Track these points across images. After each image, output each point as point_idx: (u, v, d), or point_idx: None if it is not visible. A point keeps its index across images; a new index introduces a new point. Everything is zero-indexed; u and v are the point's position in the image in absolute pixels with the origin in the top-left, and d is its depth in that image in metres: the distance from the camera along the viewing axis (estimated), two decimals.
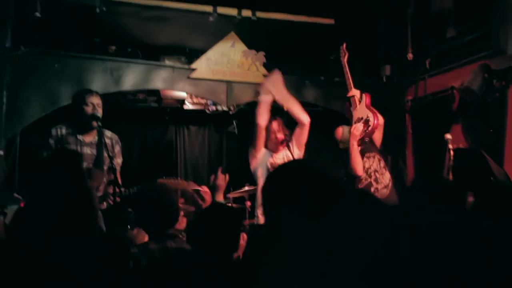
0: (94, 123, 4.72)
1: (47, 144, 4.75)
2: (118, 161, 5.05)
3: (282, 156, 5.22)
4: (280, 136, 5.15)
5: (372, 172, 5.18)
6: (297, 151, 5.23)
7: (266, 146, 5.29)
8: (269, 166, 5.18)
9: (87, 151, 4.80)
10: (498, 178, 4.42)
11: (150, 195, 3.23)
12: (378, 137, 5.34)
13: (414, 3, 5.96)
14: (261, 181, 5.15)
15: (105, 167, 4.85)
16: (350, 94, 5.39)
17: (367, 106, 5.25)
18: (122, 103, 6.68)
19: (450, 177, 4.76)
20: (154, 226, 3.01)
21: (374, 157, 5.23)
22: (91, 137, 4.84)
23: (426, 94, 6.44)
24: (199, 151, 7.59)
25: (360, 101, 5.31)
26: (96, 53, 5.90)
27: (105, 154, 4.74)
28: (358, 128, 5.12)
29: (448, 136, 4.83)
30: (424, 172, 6.32)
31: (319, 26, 6.08)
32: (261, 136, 5.15)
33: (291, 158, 5.01)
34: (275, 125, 5.21)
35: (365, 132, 5.12)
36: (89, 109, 4.72)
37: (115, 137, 5.07)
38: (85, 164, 4.77)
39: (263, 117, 5.10)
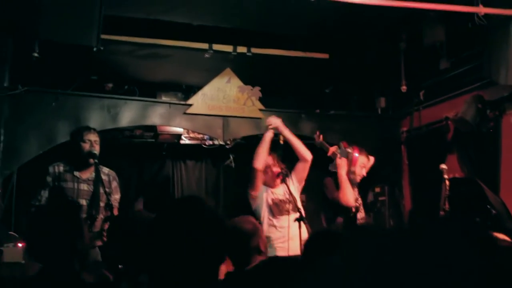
0: (91, 160, 4.77)
1: (44, 182, 4.80)
2: (116, 196, 5.09)
3: (283, 191, 5.25)
4: (276, 169, 5.20)
5: (358, 203, 5.38)
6: (296, 185, 5.29)
7: (263, 183, 5.33)
8: (271, 203, 5.21)
9: (84, 187, 4.85)
10: (494, 207, 4.45)
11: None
12: (359, 172, 5.44)
13: (407, 36, 6.04)
14: (265, 220, 5.18)
15: (102, 204, 4.88)
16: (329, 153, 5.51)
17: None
18: (119, 139, 6.72)
19: (447, 207, 4.78)
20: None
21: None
22: (88, 174, 4.89)
23: (421, 125, 6.50)
24: (196, 185, 7.58)
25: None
26: (94, 91, 5.96)
27: (102, 191, 4.78)
28: (343, 160, 5.30)
29: (443, 166, 4.86)
30: (421, 202, 6.33)
31: (313, 61, 6.15)
32: (259, 178, 5.20)
33: (289, 192, 5.05)
34: (269, 160, 5.27)
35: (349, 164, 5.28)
36: (86, 146, 4.79)
37: (113, 173, 5.12)
38: (82, 201, 4.82)
39: (261, 159, 5.17)
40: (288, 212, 5.12)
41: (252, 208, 5.27)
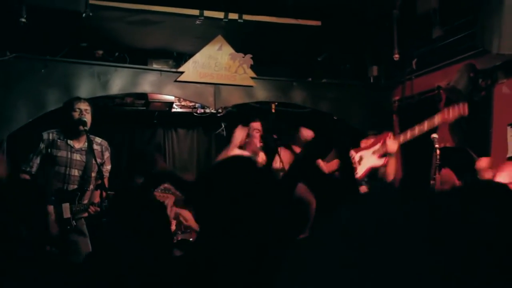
0: (81, 127, 4.75)
1: (37, 148, 4.79)
2: (108, 167, 5.12)
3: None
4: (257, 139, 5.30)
5: None
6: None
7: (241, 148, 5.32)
8: None
9: (77, 157, 4.87)
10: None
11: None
12: None
13: (400, 4, 5.98)
14: None
15: (93, 174, 4.90)
16: None
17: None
18: (110, 107, 6.68)
19: (437, 176, 4.81)
20: None
21: None
22: (81, 143, 4.90)
23: (413, 94, 6.48)
24: (188, 154, 7.59)
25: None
26: (83, 58, 5.89)
27: (94, 162, 4.77)
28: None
29: (435, 135, 4.87)
30: (412, 171, 6.35)
31: (306, 28, 6.08)
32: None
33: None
34: (255, 125, 5.35)
35: None
36: (76, 115, 4.79)
37: (105, 143, 5.12)
38: (74, 171, 4.82)
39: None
40: None
41: None
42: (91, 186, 4.88)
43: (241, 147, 5.33)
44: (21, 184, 2.80)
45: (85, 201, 4.81)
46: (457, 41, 5.78)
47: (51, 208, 4.66)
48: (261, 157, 5.36)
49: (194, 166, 7.57)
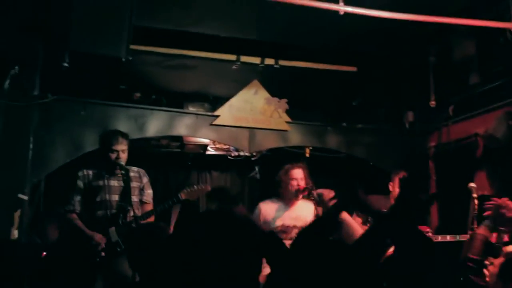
0: (117, 170, 4.83)
1: (75, 187, 4.89)
2: (149, 191, 5.17)
3: (297, 214, 5.14)
4: (302, 184, 5.08)
5: None
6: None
7: (279, 196, 5.24)
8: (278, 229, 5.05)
9: (114, 183, 4.94)
10: None
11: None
12: None
13: (437, 50, 5.97)
14: None
15: (135, 198, 4.93)
16: None
17: None
18: (145, 149, 6.76)
19: (475, 226, 4.69)
20: None
21: None
22: (117, 172, 4.95)
23: (450, 141, 6.39)
24: None
25: None
26: (121, 100, 6.01)
27: (133, 185, 4.90)
28: None
29: (472, 185, 4.77)
30: (449, 219, 6.22)
31: (341, 74, 6.11)
32: None
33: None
34: (298, 172, 5.16)
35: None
36: (113, 156, 4.86)
37: (142, 170, 5.20)
38: (114, 197, 4.90)
39: None
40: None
41: None
42: (134, 208, 4.84)
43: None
44: None
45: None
46: (495, 88, 5.70)
47: (99, 236, 4.72)
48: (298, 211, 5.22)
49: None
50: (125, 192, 4.86)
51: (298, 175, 5.15)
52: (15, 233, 5.05)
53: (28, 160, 5.31)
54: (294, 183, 5.14)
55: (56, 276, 4.34)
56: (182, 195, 5.02)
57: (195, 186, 5.17)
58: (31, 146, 5.33)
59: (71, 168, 5.23)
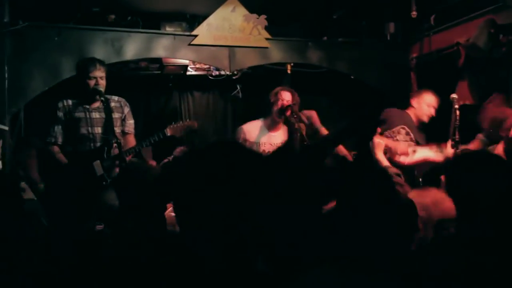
0: (97, 97, 4.76)
1: (56, 117, 4.82)
2: (130, 121, 5.14)
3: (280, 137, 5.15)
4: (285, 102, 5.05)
5: None
6: None
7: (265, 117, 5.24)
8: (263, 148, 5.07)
9: (96, 115, 4.89)
10: None
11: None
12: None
13: None
14: None
15: (117, 130, 4.89)
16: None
17: None
18: (124, 72, 6.65)
19: (457, 136, 4.75)
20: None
21: None
22: (97, 103, 4.88)
23: (431, 51, 6.35)
24: (204, 116, 7.57)
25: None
26: (96, 23, 5.84)
27: (114, 116, 4.87)
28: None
29: (454, 95, 4.79)
30: (431, 129, 6.29)
31: None
32: None
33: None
34: (285, 94, 5.13)
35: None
36: (91, 83, 4.77)
37: (123, 100, 5.13)
38: (97, 129, 4.85)
39: None
40: None
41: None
42: (116, 139, 4.79)
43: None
44: None
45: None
46: None
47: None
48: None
49: (211, 128, 7.56)
50: (108, 125, 4.80)
51: (286, 97, 5.12)
52: None
53: (5, 90, 5.24)
54: (280, 103, 5.12)
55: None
56: (168, 131, 4.97)
57: (181, 122, 5.11)
58: (6, 75, 5.24)
59: (52, 98, 5.14)
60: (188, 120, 5.35)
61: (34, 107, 5.63)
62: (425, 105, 5.34)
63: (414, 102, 5.39)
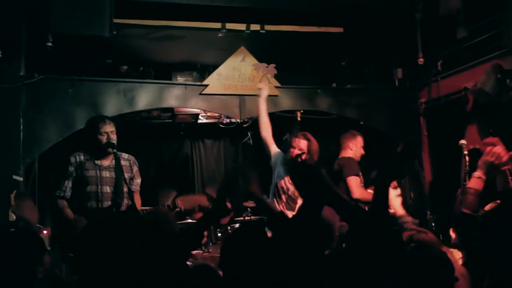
0: (110, 150, 4.84)
1: (67, 172, 4.90)
2: (138, 181, 5.19)
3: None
4: (296, 150, 4.98)
5: None
6: None
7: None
8: (285, 193, 5.02)
9: (106, 174, 4.95)
10: None
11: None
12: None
13: (423, 6, 5.92)
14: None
15: (125, 189, 4.95)
16: None
17: None
18: (137, 121, 6.76)
19: (467, 181, 4.73)
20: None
21: None
22: (108, 161, 4.97)
23: (440, 96, 6.39)
24: (215, 164, 7.63)
25: None
26: (109, 74, 5.98)
27: (123, 177, 4.87)
28: None
29: (463, 141, 4.79)
30: (441, 174, 6.29)
31: (328, 35, 6.07)
32: (269, 144, 5.19)
33: None
34: (300, 141, 5.03)
35: None
36: (103, 138, 4.85)
37: (132, 158, 5.19)
38: (106, 188, 4.89)
39: (263, 125, 5.29)
40: None
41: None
42: (125, 201, 4.92)
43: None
44: None
45: None
46: (483, 41, 5.69)
47: None
48: None
49: (222, 176, 7.59)
50: (118, 186, 4.89)
51: (301, 145, 4.99)
52: (12, 215, 5.09)
53: (20, 140, 5.33)
54: (292, 150, 5.00)
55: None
56: (179, 202, 5.05)
57: (191, 194, 5.17)
58: (21, 127, 5.33)
59: (65, 148, 5.22)
60: (197, 195, 5.39)
61: (48, 158, 5.69)
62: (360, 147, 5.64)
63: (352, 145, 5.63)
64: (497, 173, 3.77)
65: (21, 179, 5.31)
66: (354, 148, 5.67)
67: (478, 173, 3.84)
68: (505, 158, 3.77)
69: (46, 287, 2.82)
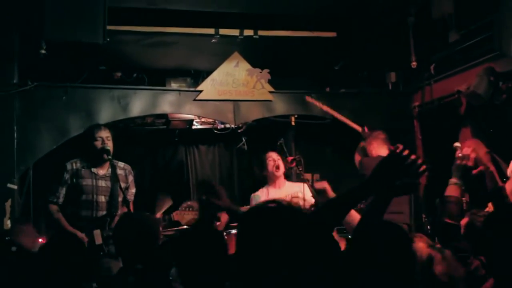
0: (105, 156, 4.84)
1: (62, 179, 4.90)
2: (133, 191, 5.22)
3: (287, 193, 5.32)
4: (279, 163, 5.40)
5: None
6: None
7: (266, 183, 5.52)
8: None
9: (102, 184, 4.97)
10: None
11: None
12: None
13: (415, 10, 5.95)
14: None
15: (120, 199, 4.97)
16: None
17: None
18: (131, 128, 6.75)
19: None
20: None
21: None
22: (104, 170, 4.99)
23: (433, 99, 6.42)
24: (210, 169, 7.63)
25: None
26: (102, 81, 5.99)
27: (118, 187, 4.86)
28: None
29: (457, 144, 4.81)
30: (436, 177, 6.30)
31: (321, 40, 6.09)
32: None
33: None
34: (272, 154, 5.46)
35: None
36: (98, 144, 4.86)
37: (128, 167, 5.21)
38: (101, 198, 4.88)
39: None
40: None
41: None
42: (119, 211, 4.96)
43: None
44: None
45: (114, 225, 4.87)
46: (475, 44, 5.72)
47: (82, 235, 4.74)
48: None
49: (217, 181, 7.59)
50: (113, 196, 4.92)
51: (272, 156, 5.47)
52: (8, 223, 5.07)
53: (14, 148, 5.31)
54: (271, 163, 5.43)
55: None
56: (175, 216, 5.13)
57: (187, 210, 5.24)
58: (15, 134, 5.32)
59: (60, 156, 5.22)
60: (191, 205, 5.43)
61: (42, 165, 5.68)
62: None
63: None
64: (485, 175, 3.79)
65: (15, 187, 5.30)
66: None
67: (453, 180, 3.85)
68: (472, 158, 3.79)
69: None
